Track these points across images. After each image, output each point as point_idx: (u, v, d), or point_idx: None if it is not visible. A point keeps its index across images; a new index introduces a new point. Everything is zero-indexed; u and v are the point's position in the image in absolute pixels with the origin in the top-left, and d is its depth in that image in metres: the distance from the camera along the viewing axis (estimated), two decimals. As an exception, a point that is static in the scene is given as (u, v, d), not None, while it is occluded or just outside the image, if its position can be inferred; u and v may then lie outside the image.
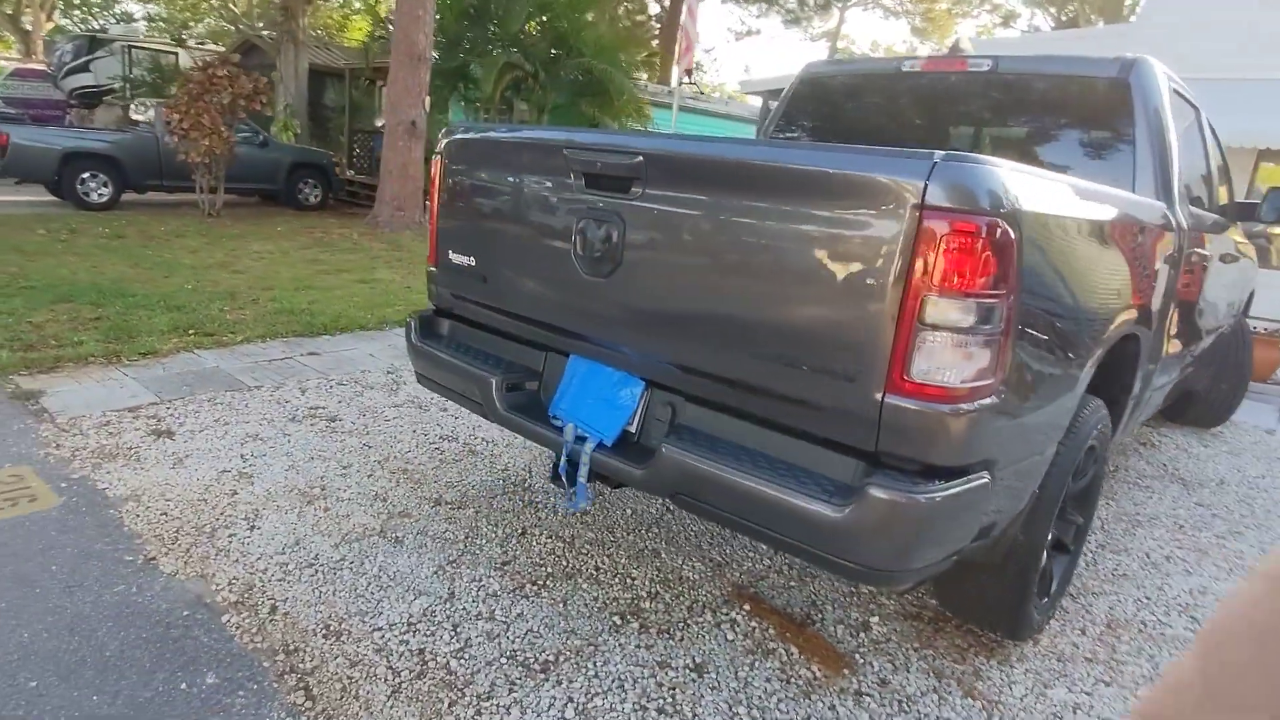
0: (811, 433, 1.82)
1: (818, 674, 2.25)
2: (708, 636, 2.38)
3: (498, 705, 2.01)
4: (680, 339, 2.02)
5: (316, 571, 2.53)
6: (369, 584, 2.49)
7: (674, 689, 2.13)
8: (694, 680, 2.18)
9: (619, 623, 2.40)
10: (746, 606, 2.55)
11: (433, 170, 2.67)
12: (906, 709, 2.14)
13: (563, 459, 2.22)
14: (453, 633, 2.28)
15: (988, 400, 1.66)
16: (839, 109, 3.92)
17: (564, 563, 2.72)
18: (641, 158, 1.97)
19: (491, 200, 2.53)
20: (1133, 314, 2.39)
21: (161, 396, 3.91)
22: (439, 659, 2.17)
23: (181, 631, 2.19)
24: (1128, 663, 2.44)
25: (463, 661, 2.16)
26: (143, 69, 17.38)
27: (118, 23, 27.91)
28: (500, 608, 2.42)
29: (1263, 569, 0.58)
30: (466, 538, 2.82)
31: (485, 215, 2.56)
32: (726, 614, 2.50)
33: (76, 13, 30.21)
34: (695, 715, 2.04)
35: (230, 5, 23.54)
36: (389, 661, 2.14)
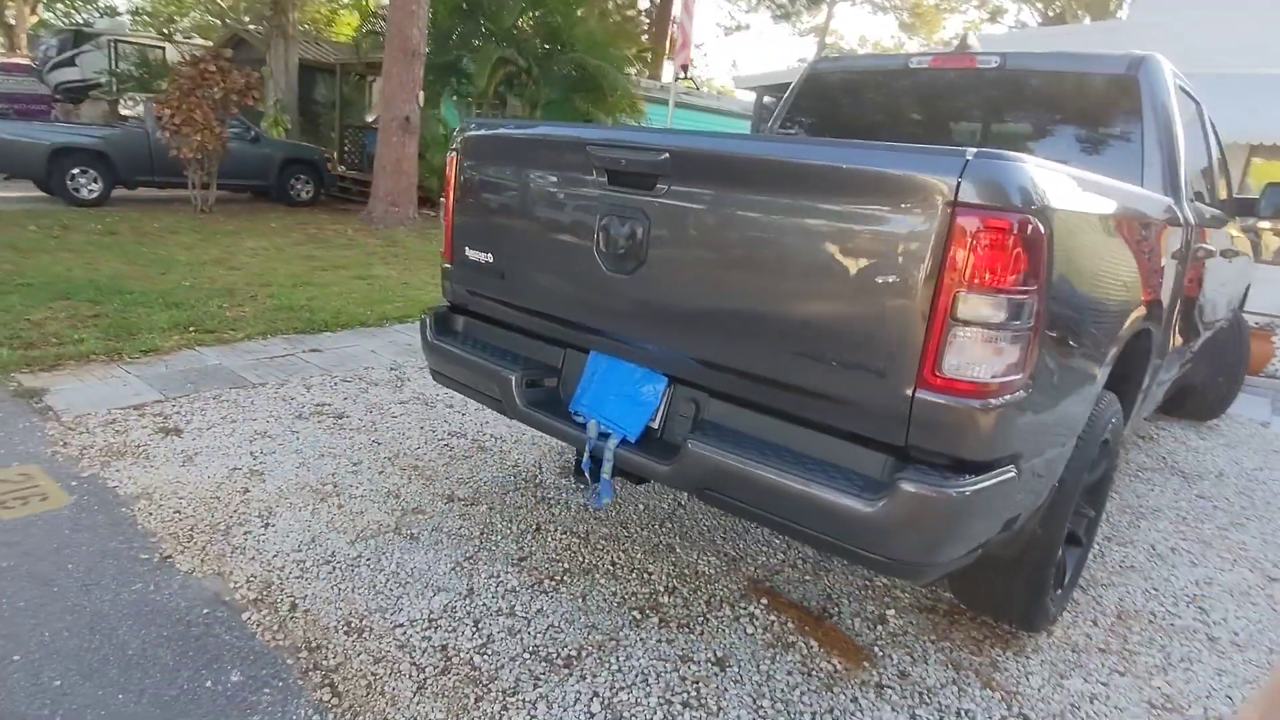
0: (838, 428, 1.84)
1: (838, 667, 2.27)
2: (728, 630, 2.39)
3: (523, 700, 2.02)
4: (706, 335, 2.02)
5: (334, 568, 2.53)
6: (387, 580, 2.49)
7: (698, 682, 2.14)
8: (717, 674, 2.19)
9: (639, 617, 2.41)
10: (764, 600, 2.56)
11: (448, 167, 2.65)
12: (928, 700, 2.16)
13: (585, 455, 2.23)
14: (474, 628, 2.29)
15: (1016, 395, 1.67)
16: (846, 106, 3.93)
17: (580, 558, 2.72)
18: (668, 155, 1.97)
19: (510, 197, 2.52)
20: (1146, 309, 2.42)
21: (166, 394, 3.88)
22: (462, 655, 2.17)
23: (203, 629, 2.19)
24: (1140, 653, 2.48)
25: (486, 657, 2.17)
26: (129, 63, 17.24)
27: (102, 16, 27.65)
28: (520, 603, 2.43)
29: None
30: (482, 534, 2.83)
31: (503, 212, 2.55)
32: (745, 608, 2.51)
33: (60, 6, 29.87)
34: (721, 709, 2.05)
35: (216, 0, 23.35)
36: (412, 658, 2.14)
